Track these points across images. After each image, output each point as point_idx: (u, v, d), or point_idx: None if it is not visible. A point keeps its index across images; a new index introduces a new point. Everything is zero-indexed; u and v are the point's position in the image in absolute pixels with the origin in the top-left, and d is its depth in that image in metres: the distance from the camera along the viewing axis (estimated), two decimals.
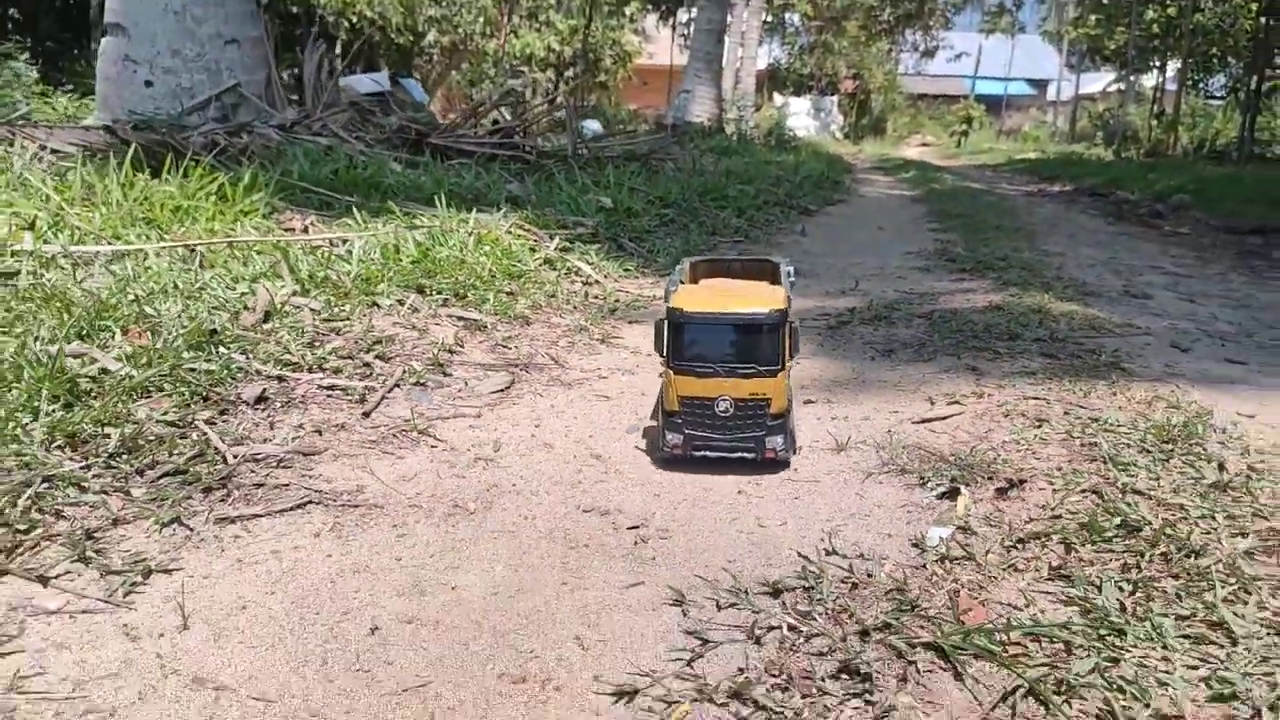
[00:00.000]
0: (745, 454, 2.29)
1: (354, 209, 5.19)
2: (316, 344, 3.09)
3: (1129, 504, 1.92)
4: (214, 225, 4.75)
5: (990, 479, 2.18)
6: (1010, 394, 2.88)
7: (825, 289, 5.01)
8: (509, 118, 9.65)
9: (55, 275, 3.56)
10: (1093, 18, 38.27)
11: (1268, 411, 2.77)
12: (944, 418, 2.70)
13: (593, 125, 16.63)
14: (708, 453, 2.30)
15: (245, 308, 3.24)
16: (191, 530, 1.91)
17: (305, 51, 8.02)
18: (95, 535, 1.83)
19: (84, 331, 2.78)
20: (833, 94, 46.59)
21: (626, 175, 7.98)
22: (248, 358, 2.81)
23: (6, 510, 1.83)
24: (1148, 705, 1.29)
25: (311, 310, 3.41)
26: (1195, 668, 1.39)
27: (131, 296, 3.11)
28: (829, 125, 44.61)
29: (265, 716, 1.38)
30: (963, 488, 2.11)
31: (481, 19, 29.39)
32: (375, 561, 1.85)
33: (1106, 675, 1.35)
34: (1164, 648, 1.43)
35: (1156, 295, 5.19)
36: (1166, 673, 1.37)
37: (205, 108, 7.45)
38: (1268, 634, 1.46)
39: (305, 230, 4.86)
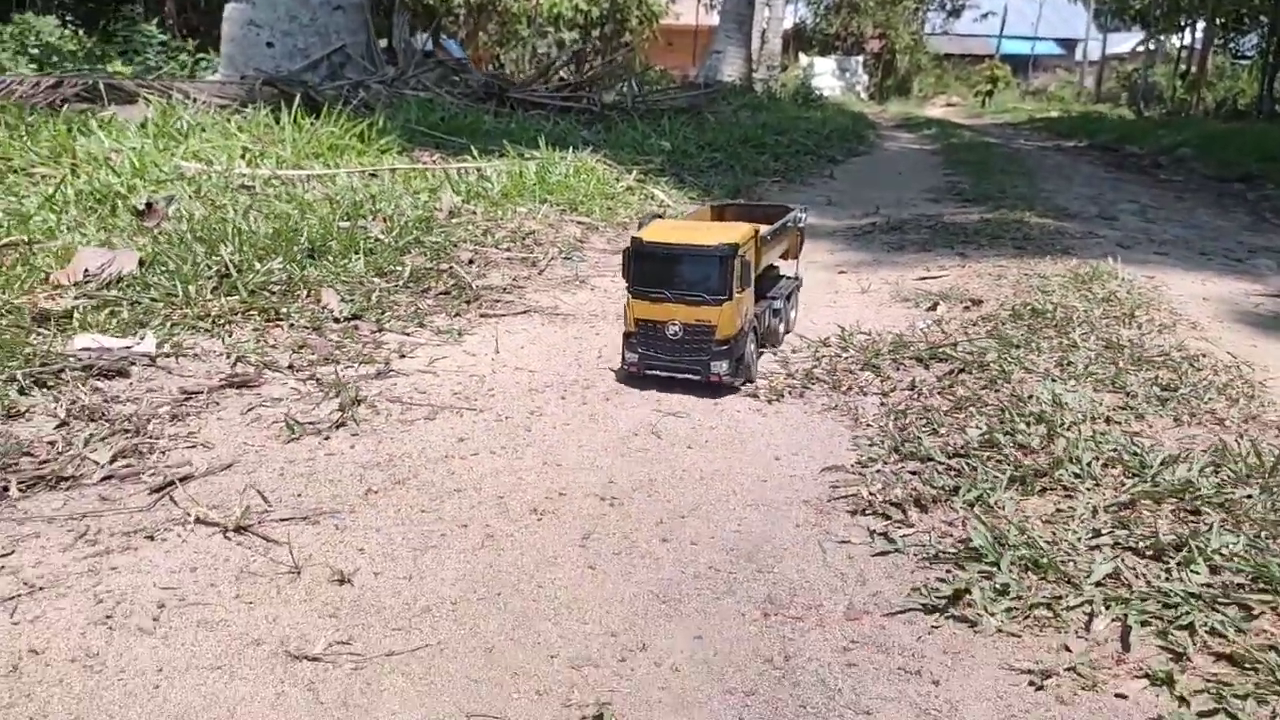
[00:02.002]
0: (691, 375, 2.49)
1: (470, 148, 6.43)
2: (488, 233, 4.35)
3: (1040, 305, 3.16)
4: (362, 159, 6.00)
5: (959, 301, 3.42)
6: (984, 266, 4.11)
7: (851, 213, 6.21)
8: (572, 75, 10.83)
9: (279, 189, 4.83)
10: None
11: (1159, 274, 4.00)
12: (936, 277, 3.94)
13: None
14: (659, 371, 2.52)
15: (436, 209, 4.50)
16: (465, 323, 3.18)
17: (394, 16, 9.18)
18: (420, 317, 3.10)
19: (347, 216, 4.05)
20: (858, 54, 46.72)
21: (678, 125, 9.16)
22: (451, 238, 4.08)
23: (372, 308, 3.11)
24: (1014, 370, 2.53)
25: (474, 213, 4.67)
26: (1056, 365, 2.63)
27: (361, 199, 4.39)
28: (854, 85, 44.79)
29: (535, 375, 2.64)
30: (940, 302, 3.35)
31: None
32: (583, 338, 3.10)
33: (1003, 356, 2.60)
34: (1037, 353, 2.68)
35: (1123, 218, 6.36)
36: (1034, 363, 2.61)
37: (317, 66, 8.69)
38: (1098, 347, 2.70)
39: (435, 163, 6.11)
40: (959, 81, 47.69)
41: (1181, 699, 1.25)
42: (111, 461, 1.92)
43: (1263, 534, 1.62)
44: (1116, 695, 1.28)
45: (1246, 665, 1.30)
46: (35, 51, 13.93)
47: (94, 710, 1.23)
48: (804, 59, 44.01)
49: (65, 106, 6.82)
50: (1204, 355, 2.75)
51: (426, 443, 2.15)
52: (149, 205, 3.90)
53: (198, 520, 1.72)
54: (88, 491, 1.82)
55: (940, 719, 1.25)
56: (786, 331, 3.02)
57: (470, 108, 8.21)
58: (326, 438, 2.14)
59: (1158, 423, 2.20)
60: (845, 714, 1.27)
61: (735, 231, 2.51)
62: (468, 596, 1.54)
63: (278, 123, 6.26)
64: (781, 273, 3.13)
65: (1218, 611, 1.41)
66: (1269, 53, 27.09)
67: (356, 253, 3.57)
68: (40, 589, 1.50)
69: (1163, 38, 37.86)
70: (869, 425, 2.29)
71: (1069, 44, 57.54)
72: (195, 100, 7.60)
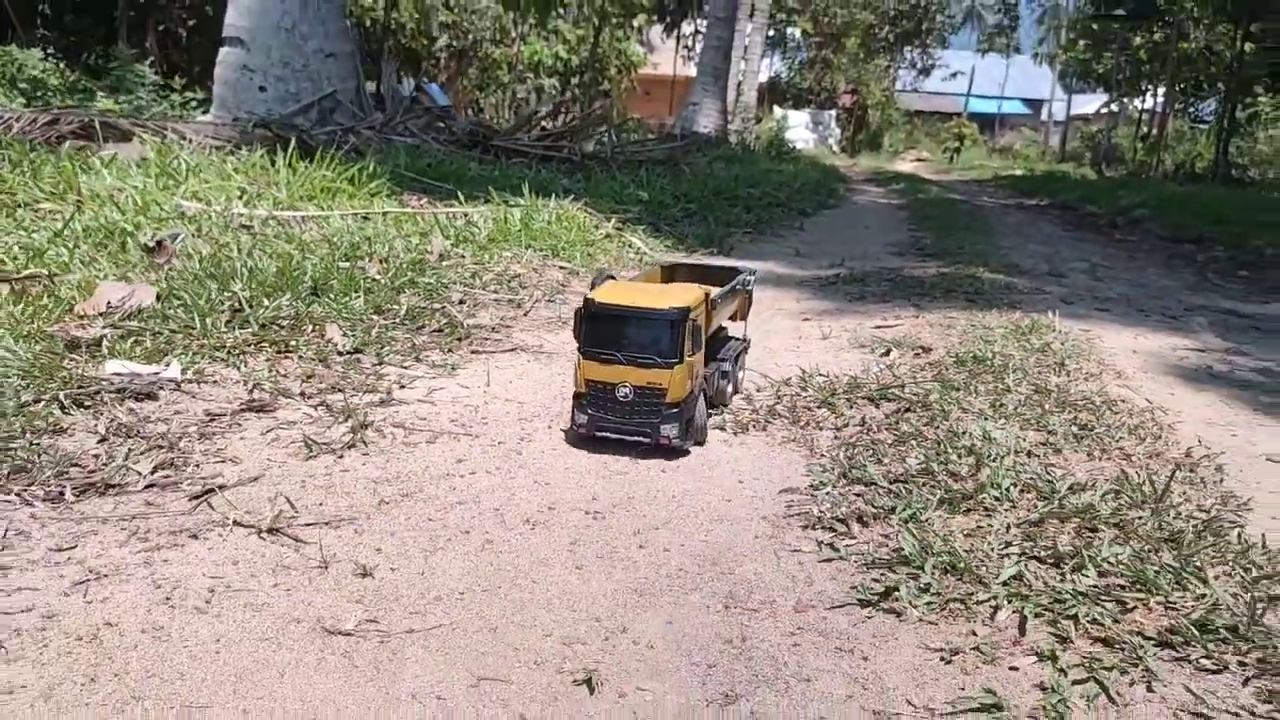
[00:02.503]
0: (641, 437, 2.49)
1: (456, 194, 6.75)
2: (476, 275, 4.64)
3: (981, 353, 3.49)
4: (354, 202, 6.29)
5: (910, 348, 3.75)
6: (936, 316, 4.45)
7: (818, 264, 6.57)
8: (553, 124, 11.22)
9: (276, 229, 5.10)
10: (1081, 43, 40.00)
11: (1096, 328, 4.36)
12: (891, 325, 4.27)
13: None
14: (609, 433, 2.51)
15: (427, 252, 4.79)
16: (458, 358, 3.45)
17: (383, 64, 9.53)
18: (417, 352, 3.37)
19: (346, 257, 4.33)
20: (832, 108, 47.69)
21: (654, 176, 9.56)
22: (442, 279, 4.36)
23: (372, 344, 3.38)
24: (953, 409, 2.84)
25: (463, 256, 4.96)
26: (990, 405, 2.94)
27: (356, 240, 4.67)
28: (827, 138, 45.68)
29: (524, 406, 2.91)
30: (893, 349, 3.67)
31: (493, 26, 30.52)
32: (565, 374, 3.37)
33: (943, 397, 2.92)
34: (974, 395, 2.99)
35: (1072, 276, 6.77)
36: (970, 403, 2.92)
37: (309, 110, 9.01)
38: (1029, 391, 3.02)
39: (424, 207, 6.40)
40: (929, 138, 48.88)
41: (1062, 670, 1.54)
42: (152, 472, 2.17)
43: (1146, 547, 1.92)
44: (1010, 668, 1.56)
45: (1116, 646, 1.59)
46: (24, 85, 14.15)
47: (165, 669, 1.48)
48: (778, 111, 44.95)
49: (66, 143, 7.06)
50: (1123, 400, 3.09)
51: (429, 462, 2.42)
52: (159, 243, 4.16)
53: (235, 523, 1.97)
54: (134, 497, 2.07)
55: (867, 684, 1.53)
56: (735, 393, 3.05)
57: (456, 154, 8.55)
58: (340, 456, 2.40)
59: (1072, 457, 2.51)
60: (790, 681, 1.54)
61: (687, 294, 2.52)
62: (473, 589, 1.80)
63: (273, 164, 6.54)
64: (730, 334, 3.14)
65: (1099, 606, 1.70)
66: (1224, 119, 28.21)
67: (356, 291, 3.84)
68: (105, 576, 1.74)
69: (1125, 100, 39.19)
70: (823, 455, 2.58)
71: (1036, 104, 59.29)
72: (190, 141, 7.87)
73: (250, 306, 3.40)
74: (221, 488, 2.14)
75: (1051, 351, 3.63)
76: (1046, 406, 2.90)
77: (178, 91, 12.88)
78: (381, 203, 6.41)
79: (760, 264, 6.46)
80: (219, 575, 1.78)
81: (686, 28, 39.62)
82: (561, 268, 5.21)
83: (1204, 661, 1.54)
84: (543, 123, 11.29)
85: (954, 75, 51.57)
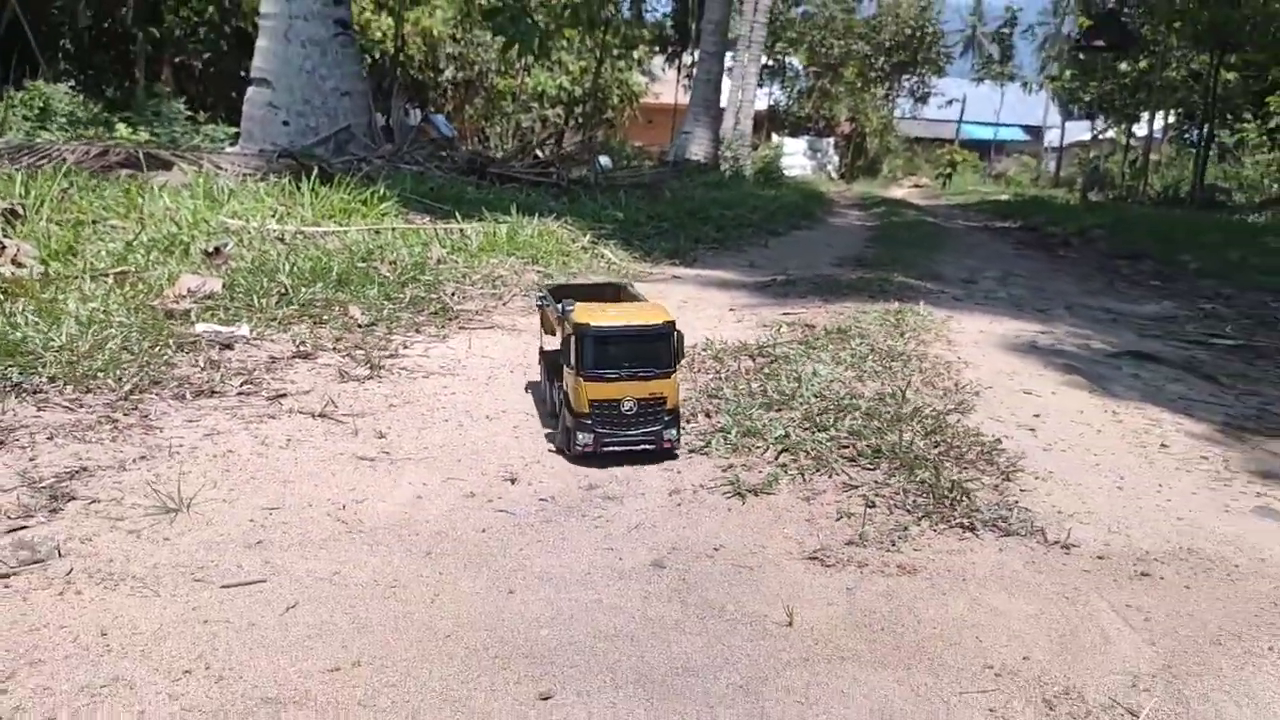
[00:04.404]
0: (647, 445, 2.70)
1: (454, 213, 7.89)
2: (466, 276, 5.76)
3: (845, 326, 4.59)
4: (367, 220, 7.44)
5: (799, 326, 4.85)
6: (835, 308, 5.55)
7: (765, 272, 7.68)
8: (544, 154, 12.42)
9: (304, 241, 6.23)
10: (1068, 72, 41.25)
11: (959, 315, 5.47)
12: (796, 313, 5.37)
13: (604, 160, 19.45)
14: (615, 447, 2.68)
15: (427, 258, 5.92)
16: (449, 332, 4.55)
17: (392, 100, 10.71)
18: (417, 326, 4.48)
19: (362, 260, 5.46)
20: (830, 135, 48.65)
21: (633, 198, 10.72)
22: (439, 278, 5.48)
23: (384, 320, 4.49)
24: (802, 359, 3.93)
25: (456, 262, 6.09)
26: (831, 358, 4.02)
27: (370, 248, 5.80)
28: (824, 165, 46.57)
29: (494, 360, 4.01)
30: (784, 326, 4.78)
31: (498, 58, 31.72)
32: (529, 344, 4.46)
33: (800, 353, 4.01)
34: (823, 351, 4.09)
35: (982, 283, 7.88)
36: (818, 356, 4.02)
37: (326, 142, 10.20)
38: (866, 349, 4.12)
39: (426, 224, 7.54)
40: (929, 164, 49.93)
41: (783, 467, 2.63)
42: (239, 387, 3.28)
43: (875, 423, 3.02)
44: (742, 467, 2.65)
45: (823, 461, 2.69)
46: (61, 120, 15.40)
47: (267, 470, 2.58)
48: (775, 139, 46.05)
49: (121, 172, 8.24)
50: (935, 356, 4.18)
51: (423, 388, 3.52)
52: (216, 249, 5.29)
53: (297, 410, 3.08)
54: (230, 399, 3.18)
55: (681, 485, 2.62)
56: None
57: (456, 180, 9.72)
58: (362, 383, 3.50)
59: (869, 384, 3.60)
60: (629, 482, 2.64)
61: (659, 310, 2.76)
62: (448, 444, 2.91)
63: (298, 189, 7.69)
64: None
65: (825, 445, 2.80)
66: (1204, 144, 29.31)
67: (371, 284, 4.96)
68: (222, 433, 2.85)
69: (1116, 126, 40.27)
70: (701, 388, 3.67)
71: (1035, 130, 60.48)
72: (225, 169, 9.06)
73: (292, 292, 4.52)
74: (285, 395, 3.25)
75: (902, 327, 4.73)
76: (870, 358, 4.00)
77: (201, 124, 14.13)
78: (390, 220, 7.55)
79: (714, 272, 7.61)
80: (291, 434, 2.88)
81: (687, 58, 40.82)
82: (539, 271, 6.33)
83: (860, 462, 2.64)
84: (535, 151, 12.50)
85: (949, 103, 52.61)
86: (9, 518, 2.15)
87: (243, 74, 13.25)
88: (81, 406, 2.93)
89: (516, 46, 13.87)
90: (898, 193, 36.18)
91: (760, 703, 1.55)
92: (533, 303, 3.99)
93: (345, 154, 10.17)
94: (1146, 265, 11.11)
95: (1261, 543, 2.37)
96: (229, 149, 11.13)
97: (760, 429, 2.97)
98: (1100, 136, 43.74)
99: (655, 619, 1.84)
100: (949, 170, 44.70)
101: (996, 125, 57.10)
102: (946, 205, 28.43)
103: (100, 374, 3.15)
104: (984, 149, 53.78)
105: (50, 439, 2.64)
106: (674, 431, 2.74)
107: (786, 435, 2.90)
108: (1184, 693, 1.60)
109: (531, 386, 3.62)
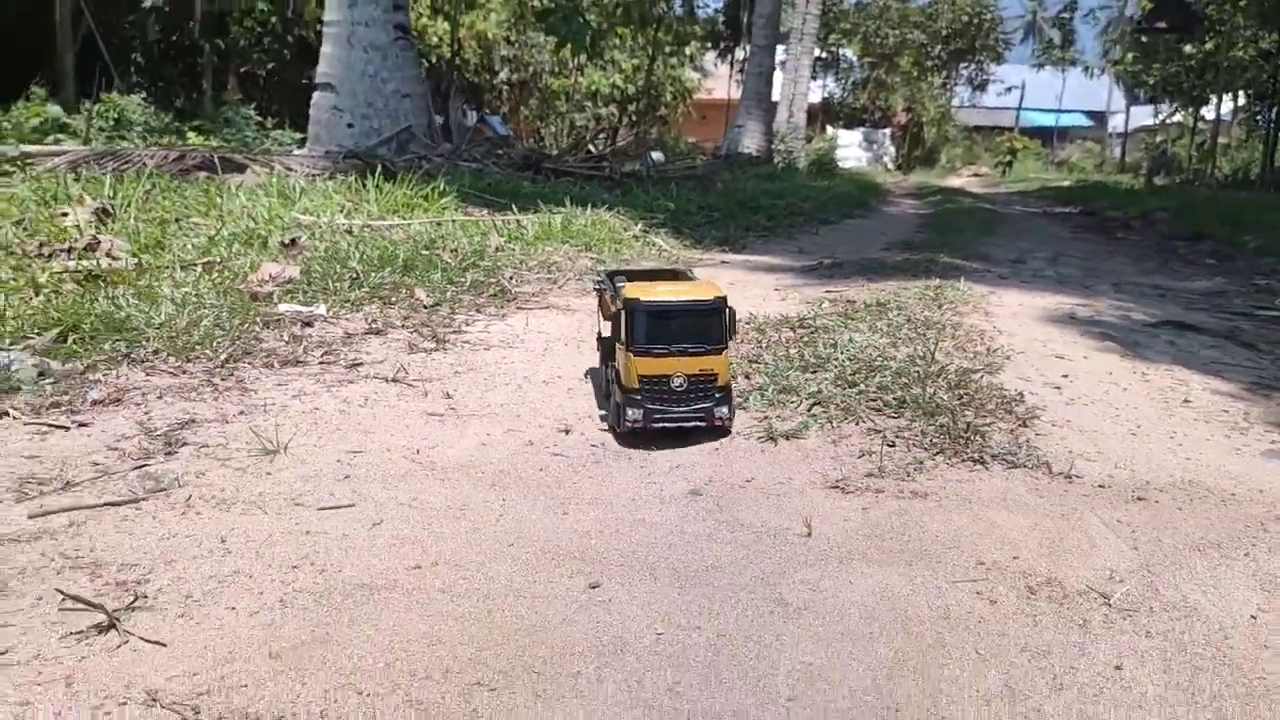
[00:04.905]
0: (698, 423, 2.70)
1: (510, 206, 8.23)
2: (523, 262, 6.07)
3: (893, 303, 4.79)
4: (428, 214, 7.80)
5: (845, 302, 5.05)
6: (877, 286, 5.74)
7: (813, 257, 7.86)
8: (596, 149, 12.74)
9: (370, 234, 6.60)
10: (1130, 55, 40.34)
11: (1000, 291, 5.61)
12: (838, 290, 5.57)
13: (657, 155, 19.73)
14: (666, 424, 2.68)
15: (485, 246, 6.24)
16: (507, 311, 4.85)
17: (450, 101, 11.12)
18: (478, 307, 4.79)
19: (426, 248, 5.80)
20: (886, 126, 48.14)
21: (684, 190, 10.96)
22: (497, 264, 5.80)
23: (447, 301, 4.81)
24: (839, 329, 4.15)
25: (513, 249, 6.41)
26: (868, 327, 4.23)
27: (433, 238, 6.15)
28: (880, 156, 46.16)
29: (549, 336, 4.29)
30: (826, 302, 4.99)
31: (551, 59, 32.08)
32: (582, 322, 4.75)
33: (838, 324, 4.23)
34: (860, 322, 4.30)
35: (1031, 263, 7.96)
36: (855, 326, 4.23)
37: (389, 143, 10.63)
38: (902, 320, 4.32)
39: (484, 217, 7.88)
40: (988, 153, 49.14)
41: (814, 416, 2.86)
42: (320, 357, 3.61)
43: (902, 379, 3.23)
44: (794, 421, 2.89)
45: (851, 412, 2.91)
46: (139, 129, 16.15)
47: (349, 423, 2.89)
48: (830, 131, 45.76)
49: (200, 175, 8.74)
50: (971, 325, 4.36)
51: (484, 358, 3.82)
52: (292, 241, 5.67)
53: (373, 376, 3.40)
54: (313, 368, 3.51)
55: (721, 437, 2.86)
56: None
57: (512, 175, 10.07)
58: (430, 354, 3.82)
59: (902, 349, 3.81)
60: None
61: (711, 287, 2.77)
62: (509, 403, 3.20)
63: (363, 186, 8.10)
64: None
65: (855, 400, 3.02)
66: (1272, 125, 28.50)
67: (434, 270, 5.29)
68: (307, 395, 3.17)
69: (1186, 109, 39.23)
70: (743, 355, 3.91)
71: (1098, 115, 59.18)
72: (294, 170, 9.53)
73: (363, 277, 4.87)
74: (361, 364, 3.58)
75: (940, 300, 4.91)
76: (905, 328, 4.20)
77: (269, 130, 14.75)
78: (450, 214, 7.91)
79: (763, 258, 7.82)
80: (368, 396, 3.20)
81: (739, 53, 40.78)
82: (592, 258, 6.62)
83: (885, 412, 2.86)
84: (589, 147, 12.82)
85: (1008, 90, 51.67)
86: (133, 458, 2.49)
87: (305, 80, 13.84)
88: (184, 373, 3.28)
89: (569, 46, 14.19)
90: (955, 182, 35.82)
91: (777, 589, 1.80)
92: (589, 287, 4.24)
93: (406, 153, 10.58)
94: (1205, 246, 11.01)
95: (1264, 478, 2.54)
96: (297, 151, 11.65)
97: (795, 387, 3.20)
98: (1168, 120, 42.65)
99: (690, 532, 2.10)
100: (1009, 158, 43.98)
101: (1058, 111, 55.98)
102: (1005, 193, 28.12)
103: (198, 346, 3.51)
104: (1046, 136, 52.80)
105: (160, 398, 2.99)
106: (725, 409, 2.73)
107: (819, 391, 3.13)
108: (1155, 583, 1.80)
109: (590, 373, 3.85)
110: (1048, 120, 55.56)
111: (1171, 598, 1.75)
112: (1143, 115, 48.03)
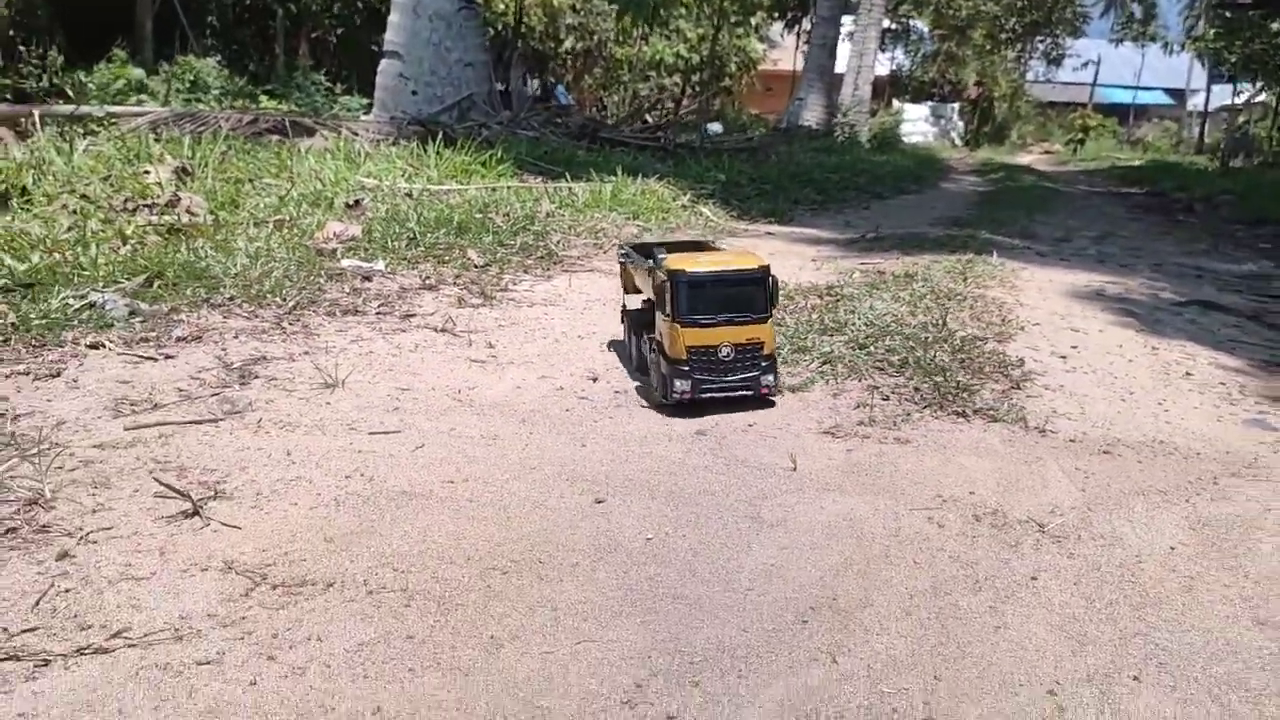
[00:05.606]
0: (745, 391, 2.72)
1: (564, 174, 8.52)
2: (572, 228, 6.36)
3: (921, 275, 4.99)
4: (485, 179, 8.13)
5: (876, 273, 5.26)
6: (911, 259, 5.92)
7: (857, 230, 8.03)
8: (653, 120, 12.95)
9: (429, 197, 6.94)
10: (1211, 31, 38.97)
11: (1033, 267, 5.76)
12: (873, 262, 5.77)
13: (715, 127, 19.80)
14: (714, 394, 2.70)
15: (536, 212, 6.55)
16: (553, 273, 5.14)
17: (511, 70, 11.40)
18: (526, 268, 5.10)
19: (479, 212, 6.13)
20: (955, 101, 47.12)
21: (736, 162, 11.14)
22: (546, 228, 6.10)
23: (497, 261, 5.13)
24: (864, 297, 4.37)
25: (563, 215, 6.71)
26: (892, 296, 4.44)
27: (487, 202, 6.48)
28: (948, 131, 45.27)
29: (590, 295, 4.58)
30: (857, 272, 5.20)
31: (616, 27, 32.02)
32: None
33: (863, 292, 4.45)
34: (885, 291, 4.51)
35: (1076, 241, 8.02)
36: (880, 294, 4.44)
37: (451, 110, 10.97)
38: (925, 290, 4.52)
39: (538, 183, 8.19)
40: (1061, 129, 47.86)
41: (821, 374, 3.12)
42: (377, 308, 3.96)
43: (911, 343, 3.46)
44: (802, 377, 3.15)
45: (856, 369, 3.16)
46: (216, 91, 16.73)
47: (400, 364, 3.22)
48: (896, 105, 44.99)
49: (273, 138, 9.18)
50: (992, 298, 4.54)
51: (528, 314, 4.13)
52: (356, 202, 6.04)
53: (425, 326, 3.73)
54: (370, 317, 3.85)
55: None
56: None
57: (568, 144, 10.36)
58: (477, 309, 4.14)
59: (919, 317, 4.02)
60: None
61: (754, 257, 2.82)
62: (545, 353, 3.51)
63: (425, 152, 8.45)
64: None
65: (863, 361, 3.26)
66: None
67: (486, 233, 5.62)
68: (364, 340, 3.52)
69: (1271, 88, 37.83)
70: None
71: (1178, 93, 57.27)
72: (360, 135, 9.93)
73: (419, 237, 5.21)
74: (414, 315, 3.91)
75: (968, 274, 5.09)
76: (927, 298, 4.40)
77: (338, 95, 15.22)
78: (506, 180, 8.23)
79: (807, 230, 8.01)
80: (419, 343, 3.54)
81: (806, 24, 40.23)
82: (639, 226, 6.89)
83: (890, 371, 3.10)
84: (645, 117, 13.04)
85: (1085, 65, 50.16)
86: (212, 386, 2.85)
87: (374, 47, 14.24)
88: (256, 317, 3.65)
89: (630, 15, 14.35)
90: (1024, 159, 35.10)
91: (756, 510, 2.08)
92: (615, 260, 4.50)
93: (467, 120, 10.92)
94: (1266, 231, 10.85)
95: (1234, 441, 2.73)
96: (364, 117, 12.07)
97: (809, 348, 3.46)
98: (1253, 100, 41.14)
99: (690, 464, 2.39)
100: (1081, 135, 42.84)
101: (1136, 89, 54.26)
102: (1073, 171, 27.56)
103: (269, 294, 3.88)
104: (1123, 114, 51.28)
105: (235, 338, 3.36)
106: (771, 377, 2.75)
107: (830, 352, 3.38)
108: (1091, 519, 2.04)
109: (615, 345, 3.86)
110: (1125, 97, 53.87)
111: (1102, 530, 1.99)
112: (1225, 94, 46.32)
